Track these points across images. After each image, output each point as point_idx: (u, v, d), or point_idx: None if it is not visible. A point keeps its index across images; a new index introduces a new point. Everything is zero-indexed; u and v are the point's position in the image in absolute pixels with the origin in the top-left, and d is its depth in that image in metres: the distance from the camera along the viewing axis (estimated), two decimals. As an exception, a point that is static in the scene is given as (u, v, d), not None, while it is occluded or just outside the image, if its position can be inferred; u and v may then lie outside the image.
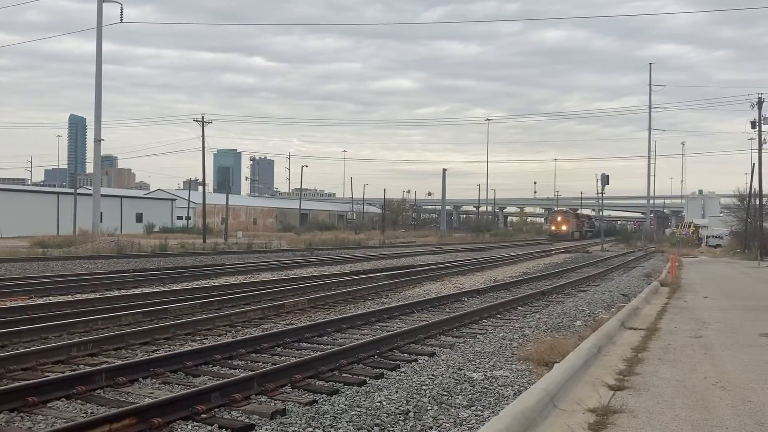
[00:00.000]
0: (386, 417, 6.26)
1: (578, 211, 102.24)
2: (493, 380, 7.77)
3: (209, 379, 7.84)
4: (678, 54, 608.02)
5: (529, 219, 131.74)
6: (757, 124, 45.54)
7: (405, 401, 6.76)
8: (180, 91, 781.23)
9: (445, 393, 7.13)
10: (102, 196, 53.15)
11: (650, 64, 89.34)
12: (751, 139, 55.29)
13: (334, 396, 7.08)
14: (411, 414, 6.38)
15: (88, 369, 7.88)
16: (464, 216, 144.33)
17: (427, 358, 9.20)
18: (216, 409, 6.48)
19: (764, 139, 45.62)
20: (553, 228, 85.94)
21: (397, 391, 7.17)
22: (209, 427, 6.04)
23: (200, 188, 69.17)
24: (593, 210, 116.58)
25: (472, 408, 6.66)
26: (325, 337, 10.77)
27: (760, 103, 45.68)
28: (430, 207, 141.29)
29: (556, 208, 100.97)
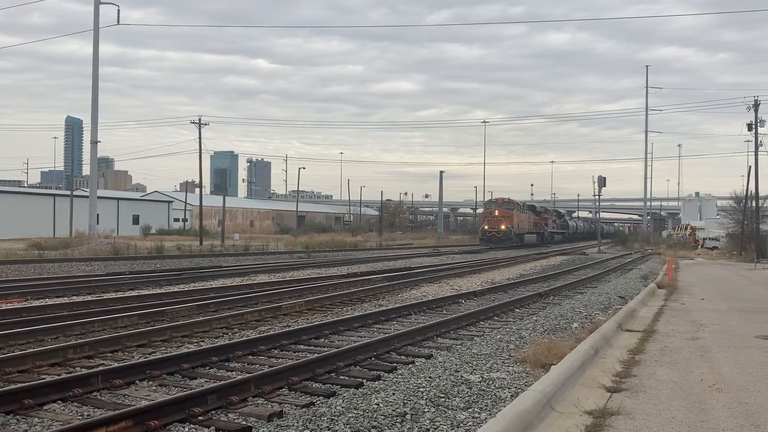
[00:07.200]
0: (383, 419, 6.25)
1: (538, 206, 70.85)
2: (491, 382, 7.76)
3: (206, 381, 7.83)
4: (680, 57, 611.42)
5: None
6: (754, 126, 45.68)
7: (402, 403, 6.75)
8: (182, 93, 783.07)
9: (442, 395, 7.12)
10: (99, 198, 53.08)
11: (647, 66, 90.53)
12: (748, 141, 55.53)
13: (331, 398, 7.07)
14: (408, 416, 6.37)
15: (84, 371, 7.85)
16: (461, 218, 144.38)
17: (424, 360, 9.19)
18: (213, 412, 6.47)
19: (761, 142, 45.80)
20: (486, 227, 55.24)
21: (394, 393, 7.16)
22: (206, 430, 6.03)
23: (197, 190, 69.07)
24: (590, 212, 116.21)
25: (470, 410, 6.66)
26: (323, 340, 10.76)
27: (756, 105, 45.82)
28: (427, 209, 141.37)
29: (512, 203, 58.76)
